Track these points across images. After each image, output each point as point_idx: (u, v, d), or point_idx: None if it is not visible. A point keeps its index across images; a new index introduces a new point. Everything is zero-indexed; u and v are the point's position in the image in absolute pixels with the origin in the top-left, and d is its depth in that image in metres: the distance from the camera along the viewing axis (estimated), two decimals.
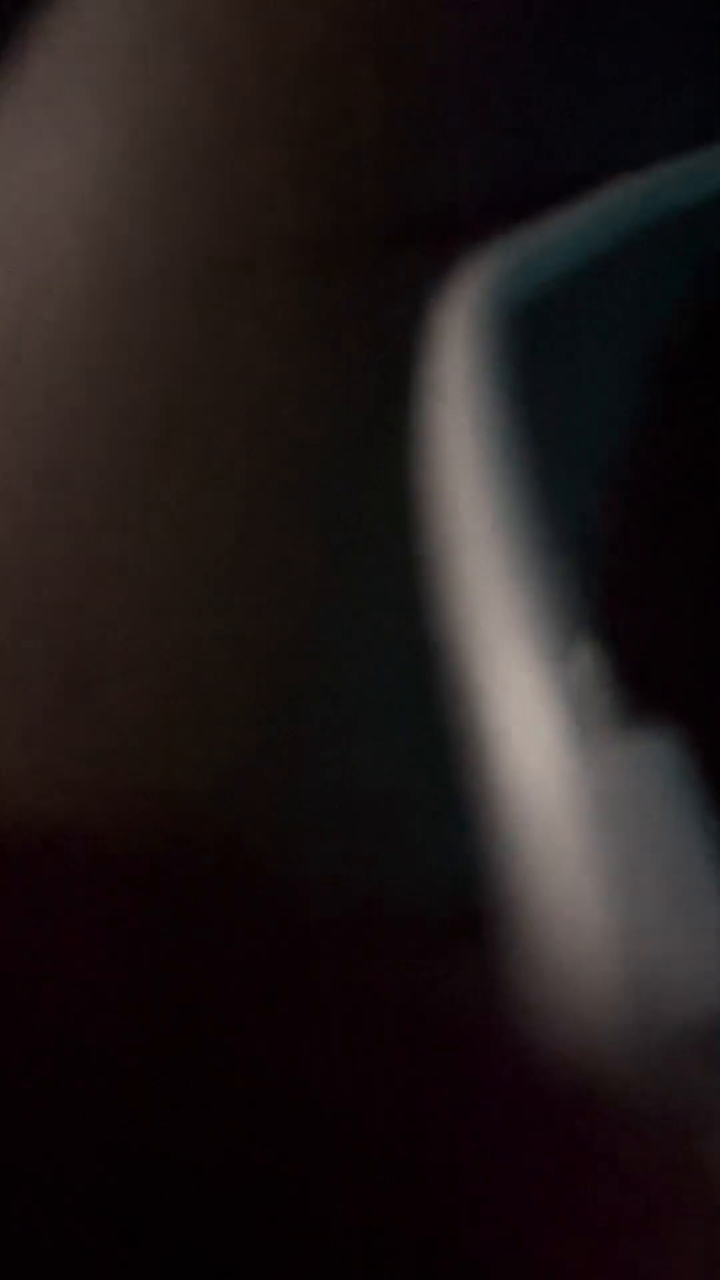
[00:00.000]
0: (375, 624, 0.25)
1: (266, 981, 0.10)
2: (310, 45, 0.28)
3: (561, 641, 0.20)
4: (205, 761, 0.22)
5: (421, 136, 0.27)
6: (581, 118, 0.28)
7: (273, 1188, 0.09)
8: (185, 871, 0.13)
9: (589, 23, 0.29)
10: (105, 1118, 0.09)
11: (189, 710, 0.23)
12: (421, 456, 0.23)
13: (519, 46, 0.28)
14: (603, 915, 0.18)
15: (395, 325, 0.24)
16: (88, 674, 0.23)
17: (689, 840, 0.20)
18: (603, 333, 0.25)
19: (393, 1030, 0.10)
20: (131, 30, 0.28)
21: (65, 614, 0.25)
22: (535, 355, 0.23)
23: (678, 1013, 0.19)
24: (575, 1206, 0.09)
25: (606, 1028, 0.16)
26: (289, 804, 0.20)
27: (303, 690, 0.24)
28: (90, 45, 0.28)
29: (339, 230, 0.27)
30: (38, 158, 0.27)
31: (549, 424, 0.23)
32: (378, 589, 0.25)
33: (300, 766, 0.22)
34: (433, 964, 0.11)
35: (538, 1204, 0.09)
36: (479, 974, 0.12)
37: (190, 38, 0.28)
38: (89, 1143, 0.09)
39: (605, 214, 0.24)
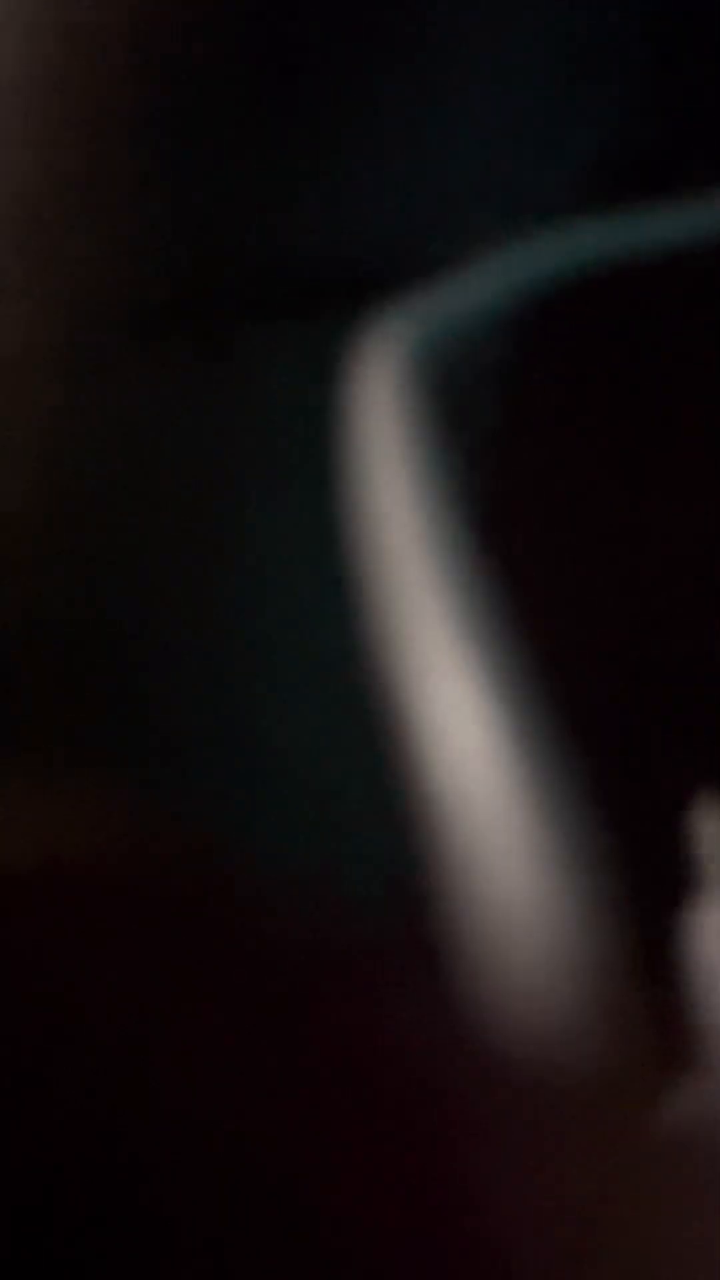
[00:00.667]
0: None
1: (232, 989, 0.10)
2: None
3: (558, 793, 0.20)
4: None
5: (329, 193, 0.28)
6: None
7: (258, 1180, 0.09)
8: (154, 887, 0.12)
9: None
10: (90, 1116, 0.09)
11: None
12: (353, 526, 0.23)
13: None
14: None
15: (302, 387, 0.25)
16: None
17: None
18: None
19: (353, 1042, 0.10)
20: None
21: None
22: (450, 402, 0.24)
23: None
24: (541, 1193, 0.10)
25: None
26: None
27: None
28: None
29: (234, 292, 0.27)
30: None
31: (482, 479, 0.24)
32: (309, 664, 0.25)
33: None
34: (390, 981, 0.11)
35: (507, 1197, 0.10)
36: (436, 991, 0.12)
37: None
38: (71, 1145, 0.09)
39: (509, 274, 0.24)
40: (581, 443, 0.24)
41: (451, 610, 0.21)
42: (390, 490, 0.22)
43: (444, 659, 0.21)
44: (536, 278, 0.23)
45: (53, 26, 0.28)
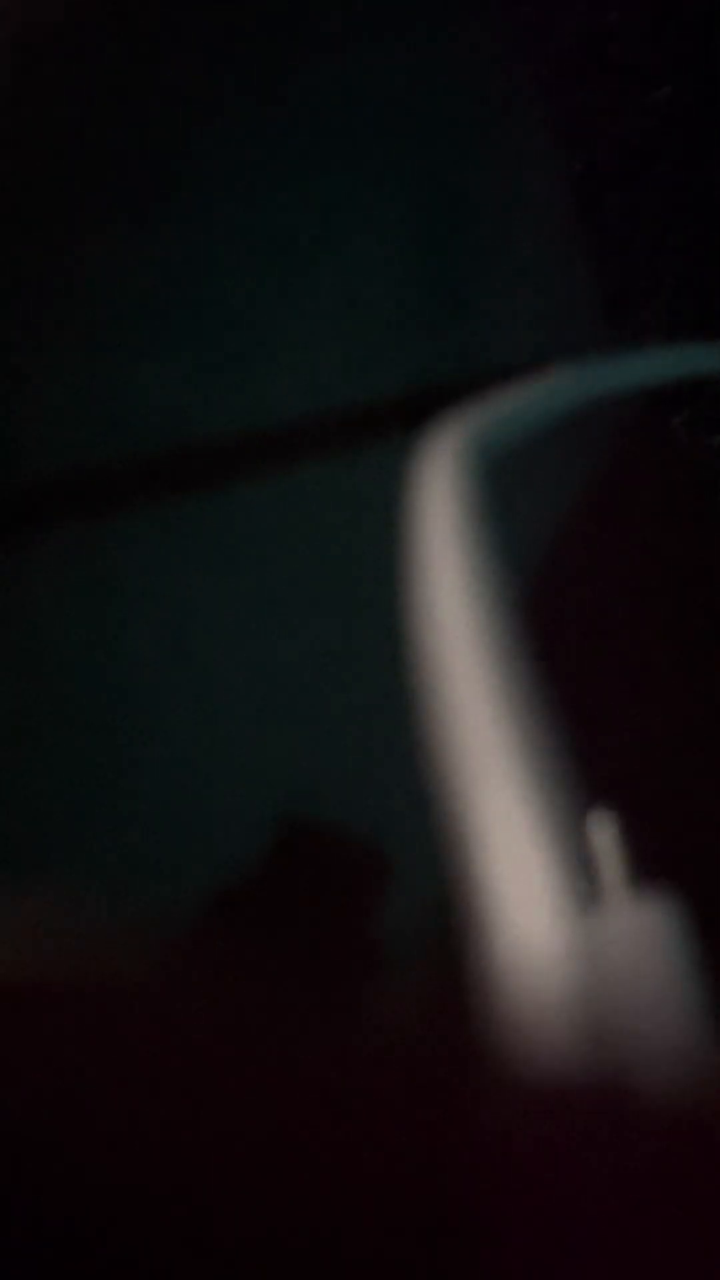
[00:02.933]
0: None
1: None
2: None
3: (564, 810, 0.21)
4: None
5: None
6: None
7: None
8: None
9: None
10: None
11: None
12: (414, 602, 0.24)
13: None
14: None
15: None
16: None
17: (682, 1002, 0.20)
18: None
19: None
20: None
21: None
22: (504, 501, 0.24)
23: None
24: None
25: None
26: None
27: None
28: None
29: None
30: None
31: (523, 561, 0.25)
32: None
33: None
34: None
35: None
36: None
37: None
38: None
39: (556, 389, 0.26)
40: (623, 541, 0.25)
41: (505, 711, 0.22)
42: (448, 583, 0.23)
43: (497, 758, 0.21)
44: (586, 392, 0.25)
45: None
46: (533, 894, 0.20)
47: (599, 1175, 0.10)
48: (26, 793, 0.26)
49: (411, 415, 0.25)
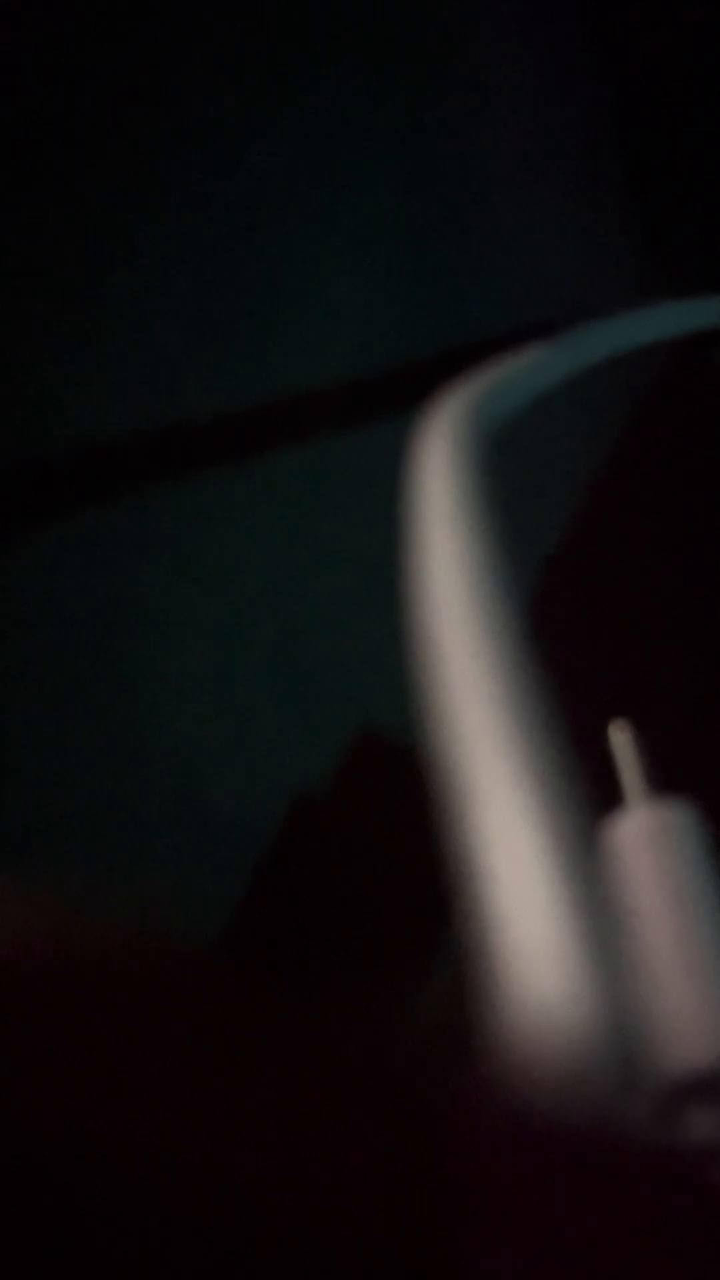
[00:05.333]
0: None
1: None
2: None
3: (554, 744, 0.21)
4: None
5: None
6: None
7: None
8: None
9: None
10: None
11: None
12: (409, 564, 0.24)
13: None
14: (606, 974, 0.19)
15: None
16: None
17: (701, 902, 0.21)
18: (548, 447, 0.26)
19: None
20: None
21: None
22: (500, 469, 0.24)
23: (678, 1069, 0.20)
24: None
25: (597, 1084, 0.18)
26: None
27: None
28: None
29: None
30: None
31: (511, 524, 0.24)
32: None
33: None
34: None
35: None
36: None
37: None
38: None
39: (556, 356, 0.24)
40: (625, 510, 0.25)
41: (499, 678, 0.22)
42: (445, 551, 0.22)
43: (489, 734, 0.21)
44: (585, 359, 0.23)
45: None
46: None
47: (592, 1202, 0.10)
48: (42, 776, 0.26)
49: (417, 384, 0.24)
